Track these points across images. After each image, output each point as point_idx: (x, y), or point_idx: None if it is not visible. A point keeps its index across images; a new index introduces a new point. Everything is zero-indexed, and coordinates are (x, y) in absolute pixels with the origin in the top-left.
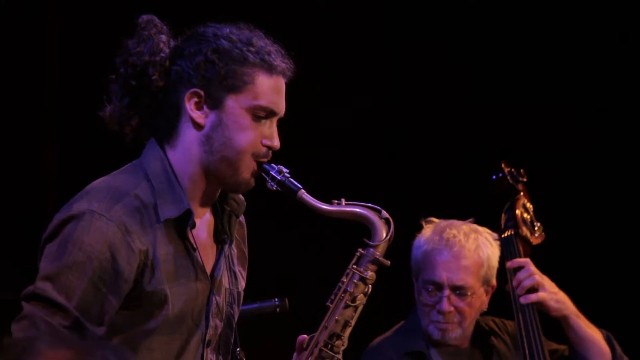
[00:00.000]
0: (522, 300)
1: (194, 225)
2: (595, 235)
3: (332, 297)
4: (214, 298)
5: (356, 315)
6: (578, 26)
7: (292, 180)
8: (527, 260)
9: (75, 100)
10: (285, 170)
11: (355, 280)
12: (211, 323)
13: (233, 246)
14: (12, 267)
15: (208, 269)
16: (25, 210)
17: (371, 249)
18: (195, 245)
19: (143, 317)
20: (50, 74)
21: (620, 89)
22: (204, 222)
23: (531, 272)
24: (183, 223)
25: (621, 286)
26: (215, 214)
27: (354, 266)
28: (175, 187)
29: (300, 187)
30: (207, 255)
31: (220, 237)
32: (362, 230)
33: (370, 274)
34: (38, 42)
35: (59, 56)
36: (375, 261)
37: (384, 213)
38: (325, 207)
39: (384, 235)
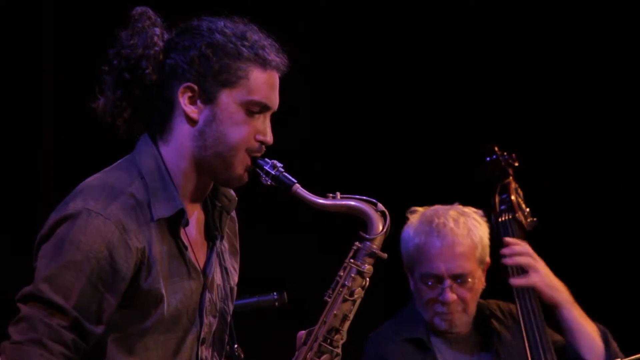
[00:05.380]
0: (512, 282)
1: (187, 224)
2: (584, 225)
3: (330, 291)
4: (207, 295)
5: (354, 309)
6: (565, 23)
7: (286, 174)
8: (524, 242)
9: (73, 96)
10: (279, 164)
11: (352, 274)
12: (205, 321)
13: (224, 241)
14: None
15: (200, 267)
16: (22, 207)
17: (368, 242)
18: (186, 244)
19: (139, 316)
20: (47, 70)
21: (611, 83)
22: (195, 219)
23: (524, 252)
24: (176, 222)
25: (612, 278)
26: (205, 210)
27: (351, 260)
28: (168, 185)
29: (295, 181)
30: (198, 253)
31: (211, 233)
32: (358, 223)
33: (367, 268)
34: (34, 39)
35: (55, 50)
36: (372, 254)
37: (380, 206)
38: (320, 201)
39: (381, 228)
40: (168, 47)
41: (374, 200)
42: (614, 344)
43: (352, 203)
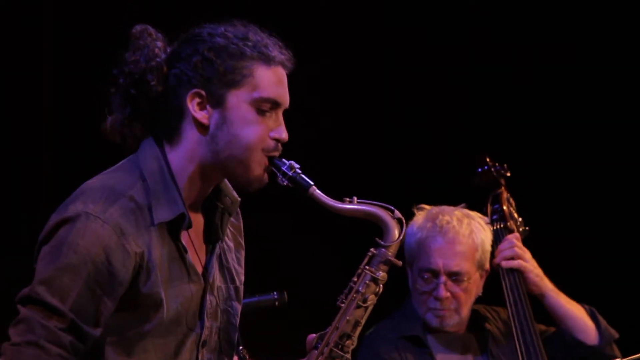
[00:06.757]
0: (504, 264)
1: (189, 226)
2: (577, 233)
3: (343, 297)
4: (208, 298)
5: (366, 315)
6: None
7: (303, 176)
8: (516, 234)
9: (73, 96)
10: (296, 165)
11: (366, 281)
12: (206, 324)
13: (228, 240)
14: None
15: (200, 269)
16: (23, 207)
17: (383, 249)
18: (186, 247)
19: (138, 319)
20: (47, 70)
21: (602, 89)
22: (195, 220)
23: (513, 244)
24: (176, 225)
25: (606, 283)
26: (206, 211)
27: (366, 267)
28: (170, 188)
29: (312, 183)
30: (198, 255)
31: (212, 235)
32: (363, 225)
33: (382, 275)
34: (34, 39)
35: (55, 50)
36: (387, 262)
37: (397, 213)
38: (337, 204)
39: (397, 235)
40: (171, 57)
41: (391, 207)
42: (604, 321)
43: (369, 208)
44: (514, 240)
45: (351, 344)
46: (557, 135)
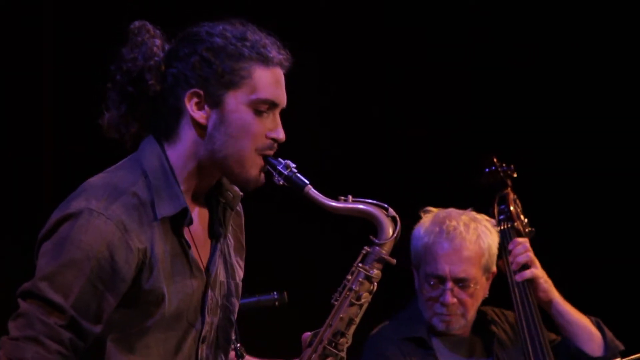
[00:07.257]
0: (518, 277)
1: (191, 222)
2: (582, 234)
3: (337, 294)
4: (209, 294)
5: (361, 313)
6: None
7: (299, 175)
8: (526, 239)
9: (73, 96)
10: (292, 165)
11: (360, 279)
12: (207, 319)
13: (230, 236)
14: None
15: (203, 264)
16: (23, 206)
17: (377, 247)
18: (189, 243)
19: (140, 315)
20: (47, 70)
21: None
22: (198, 216)
23: (527, 248)
24: (179, 221)
25: (609, 284)
26: (209, 206)
27: (360, 264)
28: (172, 184)
29: (307, 182)
30: (201, 250)
31: (215, 230)
32: (363, 224)
33: (375, 272)
34: (34, 39)
35: (55, 50)
36: (381, 260)
37: (391, 211)
38: (331, 203)
39: (391, 233)
40: (169, 56)
41: (385, 205)
42: (609, 333)
43: (363, 207)
44: (527, 245)
45: (345, 342)
46: (564, 136)
